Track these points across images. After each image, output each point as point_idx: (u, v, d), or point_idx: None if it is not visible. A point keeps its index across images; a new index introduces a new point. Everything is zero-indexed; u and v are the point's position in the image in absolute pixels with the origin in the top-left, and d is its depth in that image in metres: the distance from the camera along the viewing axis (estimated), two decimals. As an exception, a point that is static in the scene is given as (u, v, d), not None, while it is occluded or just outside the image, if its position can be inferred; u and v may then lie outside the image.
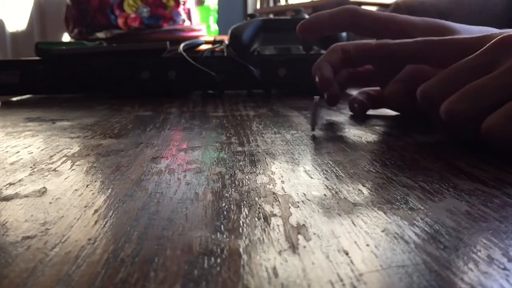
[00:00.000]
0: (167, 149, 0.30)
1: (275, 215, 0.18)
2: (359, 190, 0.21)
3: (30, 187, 0.22)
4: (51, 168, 0.26)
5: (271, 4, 2.98)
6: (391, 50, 0.35)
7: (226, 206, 0.19)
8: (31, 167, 0.26)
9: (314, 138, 0.34)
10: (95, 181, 0.23)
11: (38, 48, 0.70)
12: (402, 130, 0.36)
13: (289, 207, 0.19)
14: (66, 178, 0.24)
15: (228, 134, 0.35)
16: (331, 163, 0.26)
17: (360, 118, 0.43)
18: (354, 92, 0.48)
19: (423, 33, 0.38)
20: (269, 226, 0.17)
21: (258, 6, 3.10)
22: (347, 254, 0.15)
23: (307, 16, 0.71)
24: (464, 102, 0.28)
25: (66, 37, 1.50)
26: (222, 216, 0.18)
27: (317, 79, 0.42)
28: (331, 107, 0.50)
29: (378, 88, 0.46)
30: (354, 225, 0.17)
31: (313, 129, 0.36)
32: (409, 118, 0.45)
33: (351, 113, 0.46)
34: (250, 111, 0.48)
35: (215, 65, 0.64)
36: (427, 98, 0.30)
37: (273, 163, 0.26)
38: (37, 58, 0.69)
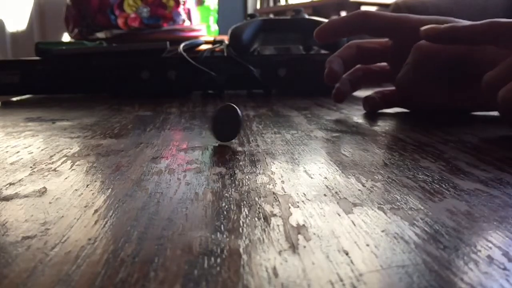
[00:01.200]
0: (167, 149, 0.30)
1: (275, 215, 0.18)
2: (359, 190, 0.21)
3: (30, 187, 0.22)
4: (51, 168, 0.26)
5: (271, 4, 2.98)
6: (461, 33, 0.36)
7: (226, 206, 0.19)
8: (31, 167, 0.26)
9: (313, 138, 0.34)
10: (95, 181, 0.23)
11: (38, 48, 0.70)
12: (402, 130, 0.36)
13: (289, 207, 0.19)
14: (66, 178, 0.24)
15: (228, 134, 0.35)
16: (331, 163, 0.26)
17: (366, 117, 0.43)
18: (369, 92, 0.48)
19: None
20: (269, 226, 0.17)
21: (258, 6, 3.10)
22: (347, 254, 0.15)
23: (307, 16, 0.71)
24: None
25: (66, 37, 1.50)
26: (222, 216, 0.18)
27: (325, 72, 0.44)
28: (338, 103, 0.50)
29: (393, 88, 0.46)
30: (354, 225, 0.17)
31: (223, 140, 0.31)
32: (420, 110, 0.45)
33: (351, 113, 0.46)
34: (250, 111, 0.48)
35: (215, 65, 0.64)
36: (490, 88, 0.31)
37: (273, 163, 0.26)
38: (37, 58, 0.69)
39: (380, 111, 0.47)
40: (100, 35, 1.14)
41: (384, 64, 0.48)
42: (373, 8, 2.12)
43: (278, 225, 0.17)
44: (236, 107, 0.30)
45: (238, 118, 0.30)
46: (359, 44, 0.46)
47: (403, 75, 0.40)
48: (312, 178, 0.23)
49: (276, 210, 0.19)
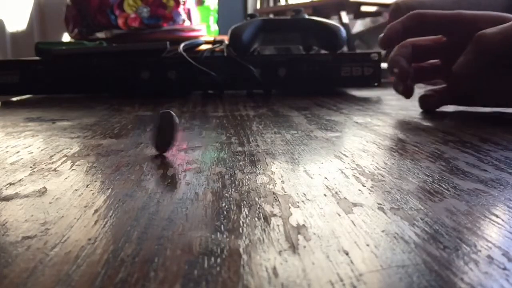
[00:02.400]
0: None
1: (275, 215, 0.18)
2: (359, 190, 0.21)
3: (30, 187, 0.22)
4: (51, 168, 0.26)
5: (271, 4, 2.98)
6: None
7: (226, 206, 0.19)
8: (31, 167, 0.26)
9: (313, 138, 0.34)
10: (95, 181, 0.23)
11: (38, 48, 0.70)
12: (402, 130, 0.36)
13: (289, 207, 0.19)
14: (66, 178, 0.24)
15: (228, 134, 0.35)
16: (331, 163, 0.26)
17: (366, 117, 0.43)
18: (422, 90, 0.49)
19: (491, 24, 0.40)
20: (269, 226, 0.17)
21: (258, 6, 3.10)
22: (347, 254, 0.15)
23: (307, 16, 0.71)
24: None
25: (66, 37, 1.50)
26: (222, 216, 0.18)
27: (396, 71, 0.45)
28: (407, 99, 0.51)
29: (444, 85, 0.47)
30: (354, 225, 0.17)
31: (162, 150, 0.29)
32: (478, 105, 0.46)
33: (351, 113, 0.46)
34: (250, 111, 0.48)
35: (215, 65, 0.64)
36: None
37: (273, 163, 0.26)
38: (37, 58, 0.69)
39: (382, 111, 0.47)
40: (100, 35, 1.14)
41: (434, 61, 0.49)
42: (373, 8, 2.12)
43: (278, 225, 0.17)
44: (173, 114, 0.29)
45: (173, 126, 0.28)
46: (414, 43, 0.47)
47: (464, 63, 0.40)
48: (312, 178, 0.23)
49: (276, 210, 0.19)
